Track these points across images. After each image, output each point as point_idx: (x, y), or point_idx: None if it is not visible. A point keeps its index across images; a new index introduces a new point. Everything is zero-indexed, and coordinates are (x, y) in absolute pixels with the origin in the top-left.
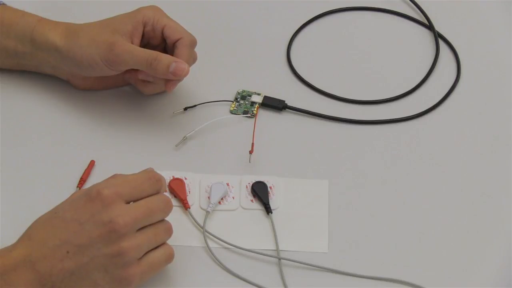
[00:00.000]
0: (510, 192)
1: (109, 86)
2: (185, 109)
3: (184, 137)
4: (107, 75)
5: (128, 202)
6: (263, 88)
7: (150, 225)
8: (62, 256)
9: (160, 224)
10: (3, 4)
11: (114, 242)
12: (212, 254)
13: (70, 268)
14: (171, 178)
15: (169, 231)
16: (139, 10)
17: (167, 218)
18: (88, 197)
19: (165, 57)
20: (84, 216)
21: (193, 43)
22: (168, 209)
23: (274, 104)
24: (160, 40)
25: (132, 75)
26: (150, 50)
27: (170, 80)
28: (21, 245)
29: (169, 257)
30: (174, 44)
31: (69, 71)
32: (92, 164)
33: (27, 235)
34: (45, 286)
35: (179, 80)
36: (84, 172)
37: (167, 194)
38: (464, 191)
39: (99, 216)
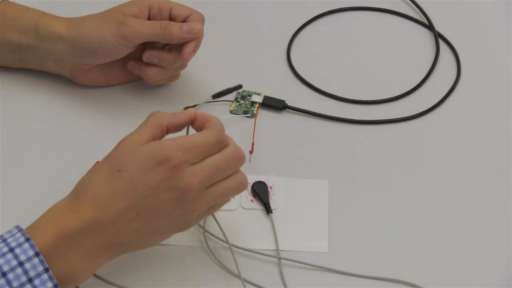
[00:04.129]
0: (510, 192)
1: (112, 81)
2: (185, 108)
3: None
4: (116, 57)
5: (196, 162)
6: (263, 88)
7: (224, 179)
8: (132, 218)
9: (232, 182)
10: (5, 0)
11: (182, 205)
12: (212, 254)
13: (138, 228)
14: None
15: (242, 187)
16: None
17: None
18: (156, 161)
19: (177, 22)
20: (153, 180)
21: (202, 19)
22: (239, 163)
23: (274, 104)
24: None
25: (136, 62)
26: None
27: (186, 48)
28: (87, 206)
29: (225, 200)
30: (184, 21)
31: (73, 63)
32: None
33: (92, 196)
34: (114, 246)
35: (195, 47)
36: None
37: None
38: (464, 191)
39: (168, 181)
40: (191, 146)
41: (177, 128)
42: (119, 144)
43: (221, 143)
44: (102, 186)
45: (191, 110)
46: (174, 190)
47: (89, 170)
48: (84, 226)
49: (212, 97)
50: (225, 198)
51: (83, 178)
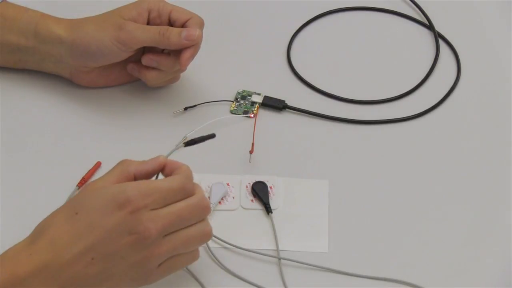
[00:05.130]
0: (510, 192)
1: (112, 82)
2: (185, 109)
3: (184, 137)
4: (115, 61)
5: (157, 208)
6: (263, 88)
7: (186, 227)
8: (87, 263)
9: (195, 230)
10: (5, 1)
11: (139, 251)
12: (212, 254)
13: (93, 273)
14: None
15: (205, 238)
16: None
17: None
18: (115, 204)
19: (175, 28)
20: (111, 223)
21: (202, 23)
22: (204, 214)
23: (274, 104)
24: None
25: (135, 64)
26: (159, 26)
27: (184, 54)
28: (42, 248)
29: (193, 259)
30: (183, 26)
31: (73, 64)
32: (98, 165)
33: (48, 238)
34: None
35: (193, 53)
36: (88, 172)
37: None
38: (464, 191)
39: (126, 224)
40: (153, 191)
41: (146, 176)
42: (82, 187)
43: (186, 191)
44: (59, 228)
45: (161, 158)
46: (132, 234)
47: (51, 213)
48: (36, 270)
49: (183, 145)
50: (187, 247)
51: (43, 220)
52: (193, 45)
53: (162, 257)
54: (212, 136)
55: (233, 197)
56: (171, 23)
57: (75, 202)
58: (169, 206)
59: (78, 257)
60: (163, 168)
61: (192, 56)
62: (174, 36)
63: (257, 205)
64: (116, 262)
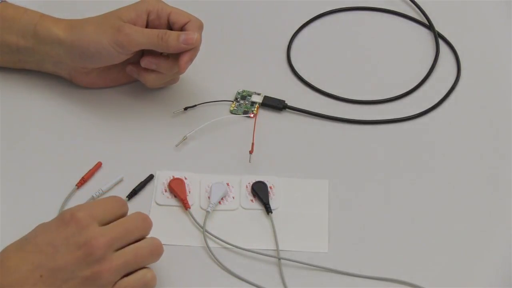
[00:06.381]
0: (510, 191)
1: (111, 83)
2: (185, 109)
3: (184, 137)
4: (113, 63)
5: (102, 225)
6: (263, 88)
7: (133, 243)
8: (35, 280)
9: (144, 243)
10: (4, 1)
11: (89, 265)
12: (212, 254)
13: None
14: (171, 178)
15: (155, 251)
16: (142, 0)
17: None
18: (61, 221)
19: (174, 31)
20: (58, 239)
21: (201, 26)
22: (146, 225)
23: (274, 104)
24: (165, 29)
25: (134, 66)
26: (158, 29)
27: (182, 57)
28: None
29: (146, 285)
30: (182, 28)
31: (72, 65)
32: (98, 165)
33: (1, 259)
34: None
35: (191, 57)
36: (87, 173)
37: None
38: (464, 191)
39: (74, 239)
40: (94, 204)
41: None
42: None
43: (122, 206)
44: (9, 253)
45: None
46: (80, 248)
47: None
48: None
49: (127, 198)
50: (138, 261)
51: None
52: (192, 49)
53: (114, 272)
54: (150, 177)
55: (233, 197)
56: (170, 25)
57: (27, 234)
58: (115, 222)
59: (26, 275)
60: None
61: (191, 60)
62: (172, 40)
63: (257, 205)
64: (66, 278)
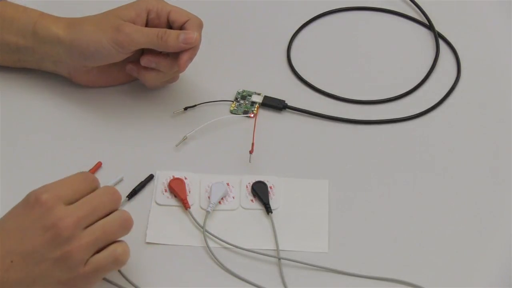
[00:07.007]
0: (510, 191)
1: (111, 82)
2: (185, 109)
3: (184, 137)
4: (113, 61)
5: (68, 204)
6: (263, 88)
7: (101, 219)
8: (7, 266)
9: (113, 217)
10: (4, 0)
11: (58, 246)
12: (212, 254)
13: (16, 277)
14: (171, 178)
15: (124, 224)
16: None
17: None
18: (27, 204)
19: (173, 30)
20: (25, 223)
21: (200, 25)
22: (115, 199)
23: (274, 104)
24: (165, 27)
25: (134, 65)
26: (157, 28)
27: (182, 56)
28: None
29: (116, 260)
30: (181, 27)
31: (72, 64)
32: (99, 165)
33: None
34: None
35: (191, 55)
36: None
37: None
38: (464, 190)
39: (41, 221)
40: (59, 184)
41: None
42: None
43: (91, 182)
44: None
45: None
46: (47, 230)
47: None
48: None
49: (127, 198)
50: (107, 236)
51: None
52: (192, 48)
53: (84, 250)
54: (150, 177)
55: (233, 197)
56: (169, 24)
57: None
58: (81, 199)
59: None
60: None
61: (191, 58)
62: (172, 39)
63: (257, 205)
64: (37, 261)
